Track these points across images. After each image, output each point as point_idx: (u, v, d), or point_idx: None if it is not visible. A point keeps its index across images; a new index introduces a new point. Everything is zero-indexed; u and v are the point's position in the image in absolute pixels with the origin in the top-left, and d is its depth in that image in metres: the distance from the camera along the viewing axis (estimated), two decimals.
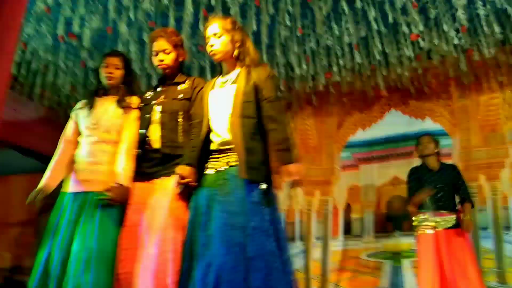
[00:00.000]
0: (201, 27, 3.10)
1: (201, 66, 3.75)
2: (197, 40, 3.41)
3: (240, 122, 1.92)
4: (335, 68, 3.82)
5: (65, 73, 3.82)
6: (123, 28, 3.14)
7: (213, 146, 2.01)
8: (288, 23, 3.27)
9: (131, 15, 3.12)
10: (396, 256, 4.25)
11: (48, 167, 2.32)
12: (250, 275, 1.70)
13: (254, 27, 3.21)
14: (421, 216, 3.35)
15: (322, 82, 4.10)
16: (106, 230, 2.09)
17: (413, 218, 3.39)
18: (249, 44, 2.11)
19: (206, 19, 2.12)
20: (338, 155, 4.79)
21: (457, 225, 3.27)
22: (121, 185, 2.13)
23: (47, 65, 3.72)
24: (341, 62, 3.76)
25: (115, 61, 2.35)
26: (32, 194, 2.20)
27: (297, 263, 4.44)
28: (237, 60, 2.08)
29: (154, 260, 1.92)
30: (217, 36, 2.06)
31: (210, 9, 3.08)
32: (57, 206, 2.21)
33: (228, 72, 2.10)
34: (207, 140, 2.01)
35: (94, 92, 2.41)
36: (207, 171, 1.99)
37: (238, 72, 2.06)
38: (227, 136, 1.96)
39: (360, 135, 4.75)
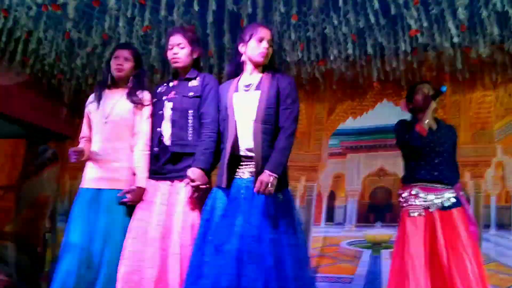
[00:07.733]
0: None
1: None
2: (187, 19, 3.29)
3: (262, 128, 2.00)
4: (329, 56, 3.74)
5: (50, 42, 3.67)
6: (111, 1, 3.00)
7: (240, 152, 2.06)
8: (283, 9, 3.17)
9: None
10: (375, 246, 4.31)
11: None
12: (269, 285, 1.79)
13: (250, 10, 3.10)
14: (408, 192, 2.55)
15: (316, 69, 4.01)
16: (117, 228, 2.22)
17: (399, 195, 2.60)
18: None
19: None
20: (326, 142, 4.76)
21: (457, 204, 2.54)
22: (139, 187, 2.23)
23: (30, 33, 3.57)
24: (336, 51, 3.67)
25: (125, 53, 2.41)
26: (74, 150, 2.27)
27: None
28: (263, 65, 2.17)
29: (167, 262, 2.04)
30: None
31: None
32: (76, 201, 2.30)
33: (251, 75, 2.17)
34: (236, 144, 2.06)
35: (104, 84, 2.44)
36: (237, 175, 2.05)
37: (261, 76, 2.14)
38: (251, 143, 2.02)
39: (350, 123, 4.71)
